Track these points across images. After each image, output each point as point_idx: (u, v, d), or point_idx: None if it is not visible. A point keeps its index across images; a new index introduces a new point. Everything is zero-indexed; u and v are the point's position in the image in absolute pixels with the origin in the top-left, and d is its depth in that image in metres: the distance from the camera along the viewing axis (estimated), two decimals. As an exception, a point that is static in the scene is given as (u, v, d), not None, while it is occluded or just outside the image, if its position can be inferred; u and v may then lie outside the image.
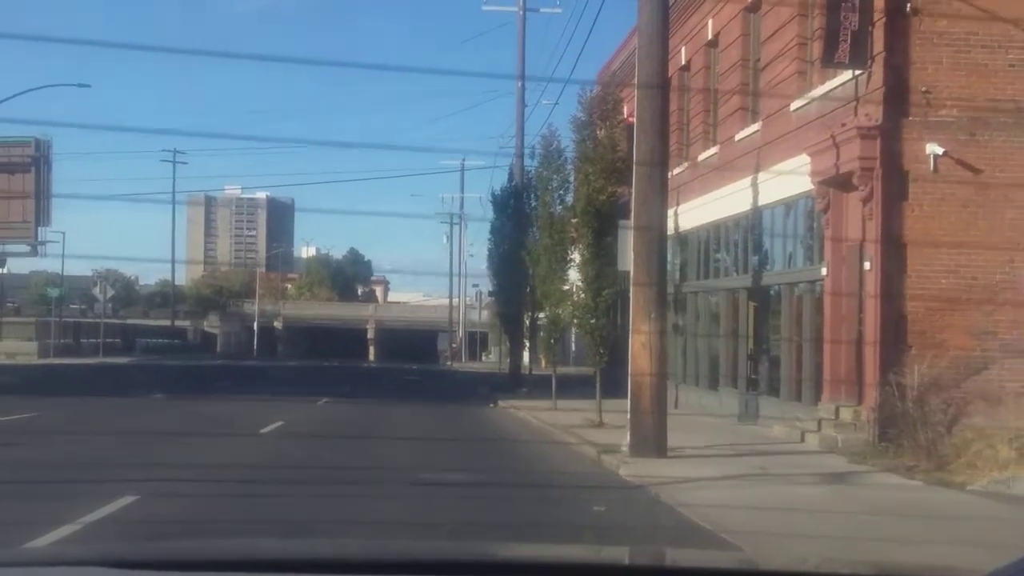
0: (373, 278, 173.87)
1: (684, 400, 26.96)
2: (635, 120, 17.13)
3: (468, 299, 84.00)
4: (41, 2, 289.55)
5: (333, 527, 10.37)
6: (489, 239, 39.74)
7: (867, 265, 17.38)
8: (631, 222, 17.13)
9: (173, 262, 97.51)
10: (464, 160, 77.61)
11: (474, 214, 79.00)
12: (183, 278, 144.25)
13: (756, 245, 23.20)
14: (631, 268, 16.88)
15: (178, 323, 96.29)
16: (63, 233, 70.07)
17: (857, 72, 17.73)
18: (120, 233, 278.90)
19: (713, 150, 25.71)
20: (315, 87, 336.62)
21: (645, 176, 16.59)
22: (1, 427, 20.29)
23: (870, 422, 16.81)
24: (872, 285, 17.17)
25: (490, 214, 39.85)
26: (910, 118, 16.99)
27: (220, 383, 40.57)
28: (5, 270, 76.42)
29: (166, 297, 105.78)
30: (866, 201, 17.24)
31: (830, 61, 17.80)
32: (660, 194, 16.72)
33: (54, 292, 70.35)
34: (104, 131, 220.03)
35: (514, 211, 36.80)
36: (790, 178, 20.22)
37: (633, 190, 16.86)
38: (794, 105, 20.49)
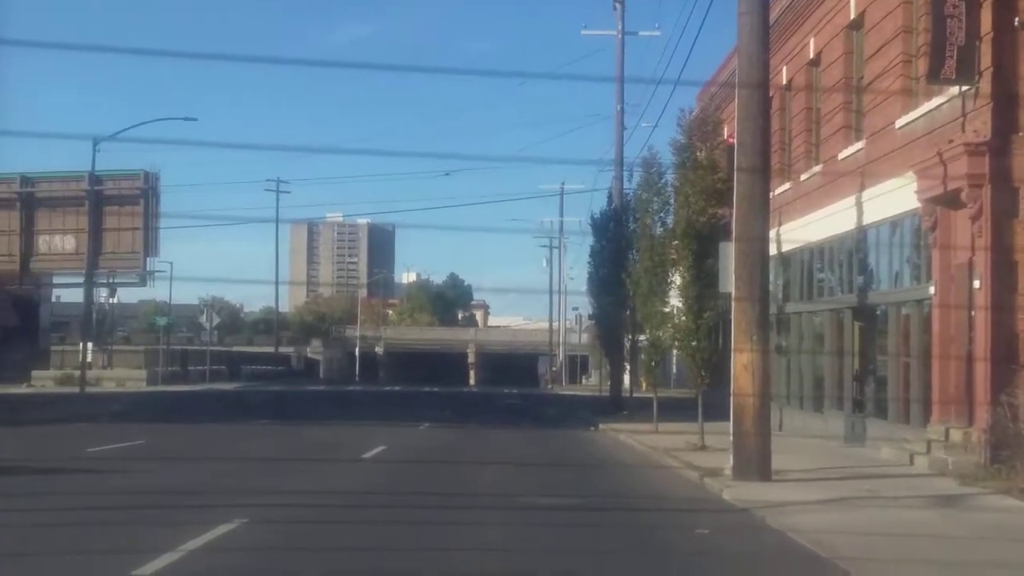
0: (473, 302, 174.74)
1: (788, 422, 26.56)
2: (735, 136, 16.96)
3: (568, 322, 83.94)
4: (149, 33, 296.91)
5: (437, 554, 10.36)
6: (589, 262, 39.75)
7: (977, 283, 16.98)
8: (732, 242, 16.94)
9: (276, 289, 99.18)
10: (563, 184, 77.76)
11: (574, 237, 78.97)
12: (286, 305, 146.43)
13: (861, 264, 22.80)
14: (732, 289, 16.69)
15: (282, 350, 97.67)
16: (171, 263, 71.60)
17: (964, 88, 17.37)
18: (225, 262, 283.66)
19: (816, 169, 25.38)
20: (415, 115, 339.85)
21: (746, 191, 16.41)
22: (109, 454, 20.73)
23: (981, 443, 16.37)
24: (982, 303, 16.76)
25: (589, 237, 39.85)
26: (1020, 133, 16.58)
27: (323, 408, 41.02)
28: (115, 300, 78.23)
29: (270, 324, 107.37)
30: (975, 218, 16.85)
31: (936, 77, 17.46)
32: (762, 210, 16.52)
33: (162, 321, 71.78)
34: (210, 163, 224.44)
35: (614, 234, 36.72)
36: (896, 196, 19.87)
37: (734, 206, 16.69)
38: (899, 122, 20.14)
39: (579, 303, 73.81)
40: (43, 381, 57.85)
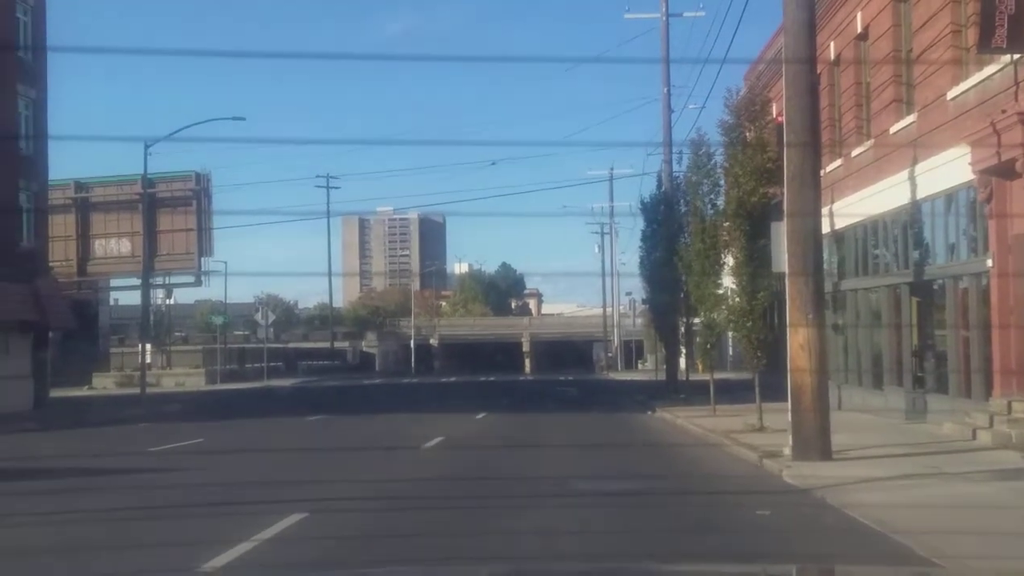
0: (526, 291, 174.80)
1: (847, 400, 26.38)
2: (784, 114, 16.85)
3: (622, 307, 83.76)
4: (193, 30, 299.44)
5: (501, 539, 10.42)
6: (640, 246, 39.56)
7: (1035, 253, 16.78)
8: (784, 221, 16.83)
9: (330, 283, 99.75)
10: (612, 169, 77.53)
11: (625, 222, 78.67)
12: (340, 300, 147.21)
13: (916, 239, 22.58)
14: (786, 268, 16.60)
15: (337, 344, 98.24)
16: (225, 262, 72.23)
17: (1015, 56, 17.14)
18: (279, 259, 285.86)
19: (867, 145, 25.15)
20: (461, 103, 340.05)
21: (796, 169, 16.29)
22: (175, 452, 21.00)
23: (1046, 416, 16.20)
24: (1041, 274, 16.56)
25: (640, 222, 39.72)
26: (1074, 99, 16.36)
27: (380, 401, 41.27)
28: (172, 300, 79.11)
29: (325, 319, 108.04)
30: (1031, 187, 16.65)
31: (987, 47, 17.23)
32: (813, 188, 16.41)
33: (218, 320, 72.40)
34: (260, 161, 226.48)
35: (664, 217, 36.55)
36: (950, 168, 19.66)
37: (784, 185, 16.58)
38: (951, 94, 19.92)
39: (632, 287, 73.65)
40: (104, 383, 58.64)
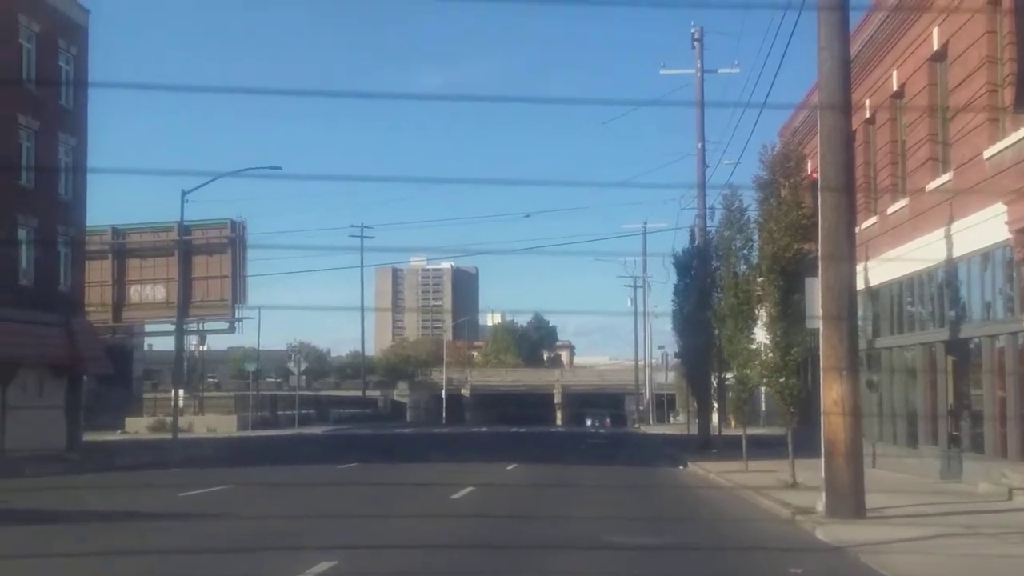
0: (558, 343, 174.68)
1: (882, 459, 26.14)
2: (819, 171, 16.85)
3: (654, 360, 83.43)
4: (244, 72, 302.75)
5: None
6: (673, 300, 39.59)
7: (1072, 314, 16.64)
8: (818, 277, 16.78)
9: (363, 332, 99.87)
10: (646, 223, 77.59)
11: (658, 276, 78.52)
12: (373, 349, 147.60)
13: (952, 297, 22.45)
14: (820, 325, 16.53)
15: (369, 393, 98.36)
16: (259, 309, 72.57)
17: (1052, 115, 17.10)
18: (313, 309, 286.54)
19: (902, 202, 25.09)
20: (497, 154, 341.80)
21: (831, 226, 16.26)
22: (203, 498, 21.02)
23: (1083, 479, 15.99)
24: (1079, 335, 16.40)
25: (673, 276, 39.71)
26: (1112, 160, 16.28)
27: (411, 450, 41.21)
28: (205, 347, 79.44)
29: (357, 368, 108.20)
30: (1068, 247, 16.54)
31: (1022, 107, 17.22)
32: (848, 245, 16.36)
33: (251, 367, 72.66)
34: (295, 211, 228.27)
35: (697, 272, 36.55)
36: (986, 227, 19.57)
37: (819, 241, 16.55)
38: (987, 153, 19.87)
39: (665, 341, 73.40)
40: (136, 428, 58.87)
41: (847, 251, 16.38)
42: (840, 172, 16.37)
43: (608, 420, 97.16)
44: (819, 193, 16.77)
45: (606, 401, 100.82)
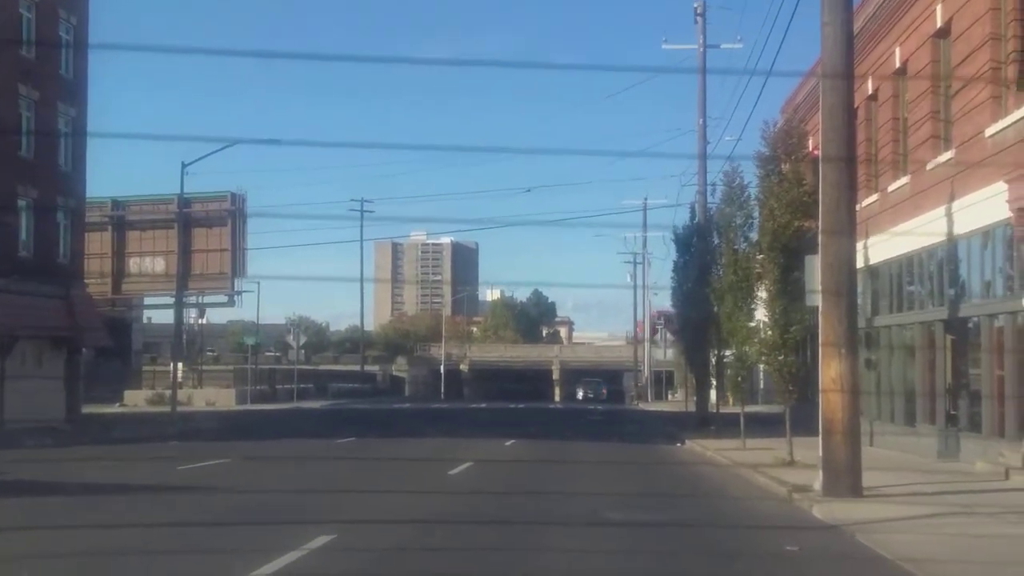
0: (557, 319, 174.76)
1: (879, 437, 26.15)
2: (820, 149, 16.77)
3: (653, 338, 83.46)
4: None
5: (527, 569, 10.35)
6: (672, 277, 39.53)
7: (1072, 294, 16.60)
8: (818, 256, 16.73)
9: (362, 307, 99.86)
10: (646, 199, 77.47)
11: (657, 253, 78.56)
12: (372, 324, 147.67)
13: (952, 276, 22.41)
14: (819, 303, 16.49)
15: (367, 368, 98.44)
16: (258, 283, 72.56)
17: (1055, 93, 17.02)
18: (312, 282, 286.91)
19: (903, 180, 25.01)
20: (499, 130, 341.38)
21: (832, 203, 16.19)
22: (201, 471, 21.04)
23: (1081, 459, 15.98)
24: (1079, 315, 16.37)
25: (673, 252, 39.67)
26: (1115, 139, 16.20)
27: (409, 425, 41.24)
28: (204, 320, 79.41)
29: (356, 343, 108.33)
30: (1069, 227, 16.48)
31: (1026, 84, 17.14)
32: (848, 223, 16.30)
33: (250, 340, 72.67)
34: (295, 184, 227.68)
35: (697, 249, 36.49)
36: (987, 206, 19.51)
37: (819, 219, 16.49)
38: (989, 131, 19.79)
39: (664, 316, 73.34)
40: (135, 401, 58.90)
41: (847, 228, 16.32)
42: (842, 148, 16.29)
43: (604, 390, 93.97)
44: (820, 169, 16.70)
45: (605, 377, 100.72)
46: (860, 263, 21.04)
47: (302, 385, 72.23)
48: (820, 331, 16.30)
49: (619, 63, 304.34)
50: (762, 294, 24.16)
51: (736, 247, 26.36)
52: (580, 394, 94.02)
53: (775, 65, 35.73)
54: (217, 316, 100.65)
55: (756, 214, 25.82)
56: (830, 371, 15.93)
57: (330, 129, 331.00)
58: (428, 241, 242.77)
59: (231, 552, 11.26)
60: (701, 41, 40.29)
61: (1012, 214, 18.19)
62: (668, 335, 66.53)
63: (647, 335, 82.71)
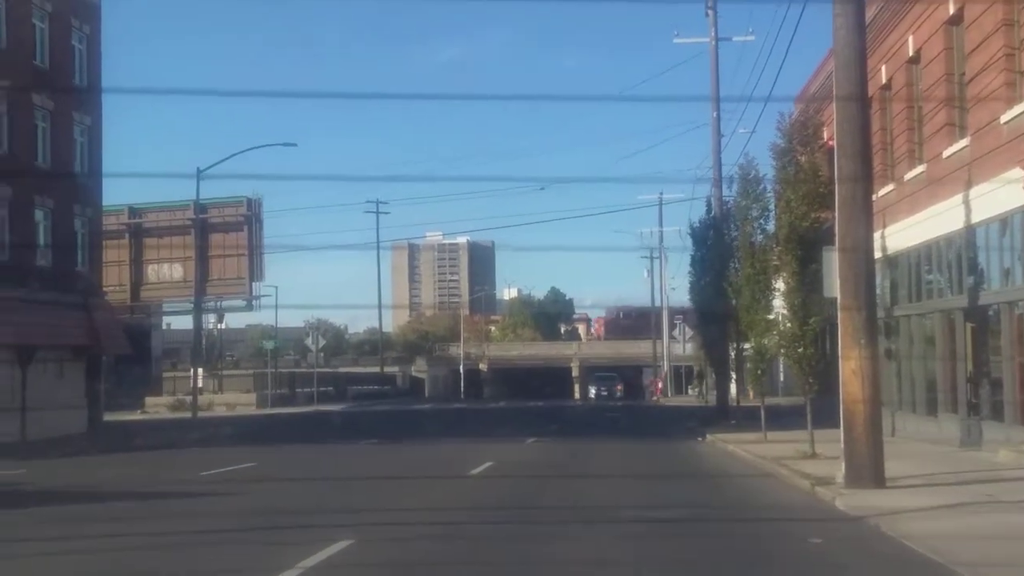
0: (575, 316, 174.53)
1: (901, 427, 26.08)
2: (835, 140, 16.71)
3: (672, 333, 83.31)
4: (248, 59, 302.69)
5: (548, 569, 10.34)
6: (690, 271, 39.43)
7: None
8: (836, 247, 16.67)
9: (380, 309, 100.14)
10: (662, 194, 77.32)
11: (674, 247, 78.41)
12: (390, 325, 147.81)
13: (971, 264, 22.31)
14: (838, 294, 16.43)
15: (387, 369, 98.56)
16: (276, 287, 72.85)
17: (1071, 78, 16.92)
18: (329, 284, 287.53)
19: (920, 168, 24.92)
20: (508, 131, 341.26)
21: (848, 194, 16.15)
22: (222, 477, 21.09)
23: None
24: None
25: (690, 246, 39.59)
26: None
27: (429, 426, 41.30)
28: (223, 325, 79.69)
29: (374, 344, 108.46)
30: (1088, 212, 16.39)
31: (1041, 69, 17.05)
32: (865, 213, 16.24)
33: (269, 344, 72.84)
34: (310, 187, 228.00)
35: (714, 242, 36.40)
36: (1004, 192, 19.42)
37: (836, 210, 16.44)
38: (1004, 117, 19.70)
39: (682, 314, 73.23)
40: (156, 407, 59.14)
41: (864, 218, 16.25)
42: (857, 138, 16.22)
43: (620, 386, 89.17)
44: (835, 159, 16.64)
45: (624, 373, 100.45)
46: (878, 253, 20.95)
47: (322, 388, 72.38)
48: (839, 322, 16.25)
49: (631, 55, 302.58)
50: (780, 286, 24.08)
51: (753, 240, 26.28)
52: (593, 392, 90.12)
53: (788, 54, 35.57)
54: (236, 321, 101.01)
55: (772, 206, 25.75)
56: (850, 362, 15.87)
57: (346, 129, 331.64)
58: (444, 241, 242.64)
59: (253, 557, 11.29)
60: (712, 34, 40.19)
61: (1030, 200, 18.12)
62: (687, 329, 66.36)
63: (665, 330, 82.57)
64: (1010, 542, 11.18)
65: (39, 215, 38.04)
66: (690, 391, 79.65)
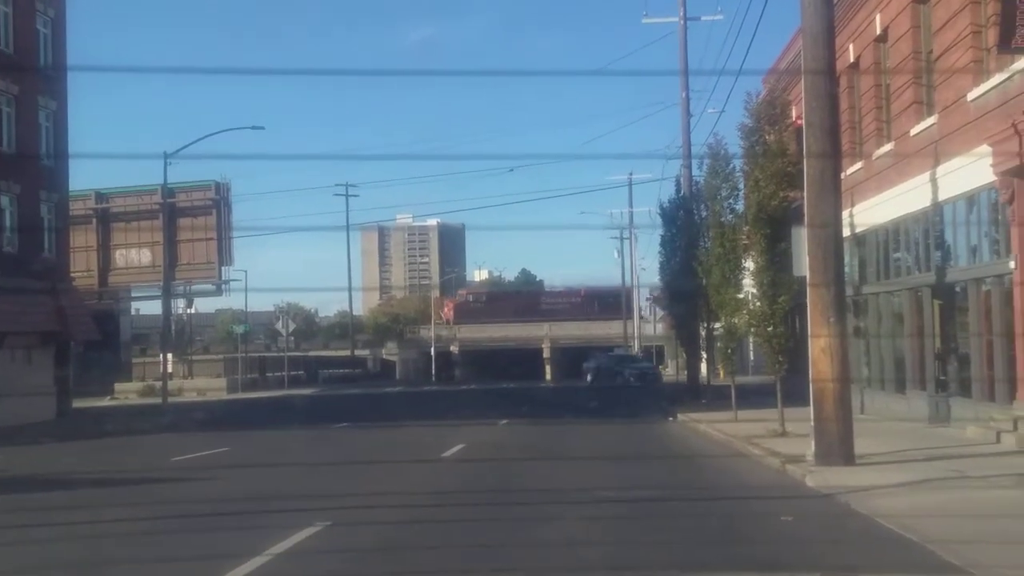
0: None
1: (870, 405, 26.22)
2: (803, 117, 16.72)
3: (642, 313, 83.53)
4: (219, 41, 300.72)
5: (522, 550, 10.33)
6: (660, 251, 39.48)
7: (1059, 255, 16.61)
8: (805, 224, 16.70)
9: (350, 293, 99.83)
10: (632, 174, 77.35)
11: (644, 226, 78.47)
12: (360, 308, 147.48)
13: (938, 241, 22.44)
14: (807, 272, 16.48)
15: (358, 352, 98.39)
16: (245, 271, 72.63)
17: (1036, 56, 17.00)
18: (299, 268, 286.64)
19: (888, 147, 25.01)
20: (477, 111, 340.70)
21: (817, 171, 16.17)
22: (193, 463, 20.99)
23: (1072, 419, 16.03)
24: (1065, 276, 16.39)
25: (660, 226, 39.63)
26: (1097, 99, 16.20)
27: (401, 409, 41.22)
28: (193, 310, 79.27)
29: (345, 328, 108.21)
30: (1054, 189, 16.49)
31: (1007, 47, 17.12)
32: (833, 190, 16.27)
33: (239, 329, 72.54)
34: (279, 168, 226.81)
35: (683, 222, 36.46)
36: (971, 170, 19.51)
37: (805, 187, 16.46)
38: (971, 95, 19.78)
39: (652, 294, 73.35)
40: (126, 393, 58.80)
41: (833, 196, 16.28)
42: (825, 115, 16.24)
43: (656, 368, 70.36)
44: (803, 137, 16.66)
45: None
46: (846, 231, 21.03)
47: (293, 372, 72.13)
48: (808, 300, 16.30)
49: (599, 35, 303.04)
50: (749, 265, 24.13)
51: (722, 219, 26.32)
52: (590, 377, 67.49)
53: (757, 33, 35.63)
54: (205, 306, 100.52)
55: (741, 186, 25.78)
56: (819, 340, 15.92)
57: (314, 112, 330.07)
58: (414, 223, 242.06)
59: (222, 543, 11.24)
60: (681, 14, 40.17)
61: (996, 177, 18.21)
62: (657, 310, 66.43)
63: (636, 310, 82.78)
64: (979, 518, 11.25)
65: (5, 201, 37.72)
66: (662, 370, 79.83)
